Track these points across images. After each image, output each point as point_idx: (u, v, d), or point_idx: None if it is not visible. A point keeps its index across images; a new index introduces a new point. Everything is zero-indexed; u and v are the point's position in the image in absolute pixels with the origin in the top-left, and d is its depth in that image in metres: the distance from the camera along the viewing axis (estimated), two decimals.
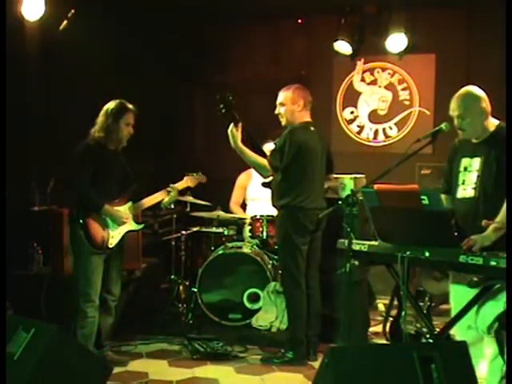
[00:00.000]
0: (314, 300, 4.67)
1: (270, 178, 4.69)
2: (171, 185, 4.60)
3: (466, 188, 3.58)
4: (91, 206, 4.29)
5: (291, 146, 4.51)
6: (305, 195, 4.56)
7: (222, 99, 4.47)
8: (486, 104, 3.55)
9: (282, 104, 4.69)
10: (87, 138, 4.35)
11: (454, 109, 3.55)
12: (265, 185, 4.81)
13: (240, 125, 4.51)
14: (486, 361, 3.48)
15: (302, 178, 4.57)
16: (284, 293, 4.83)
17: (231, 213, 6.03)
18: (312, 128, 4.72)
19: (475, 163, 3.56)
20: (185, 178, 4.71)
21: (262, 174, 4.74)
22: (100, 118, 4.36)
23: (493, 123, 3.57)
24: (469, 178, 3.58)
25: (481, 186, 3.50)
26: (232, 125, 4.50)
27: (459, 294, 3.53)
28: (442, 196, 3.56)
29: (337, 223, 4.82)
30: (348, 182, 4.92)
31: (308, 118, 4.74)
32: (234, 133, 4.50)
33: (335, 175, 5.01)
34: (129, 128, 4.39)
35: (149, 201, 4.53)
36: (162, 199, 4.59)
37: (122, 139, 4.39)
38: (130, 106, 4.40)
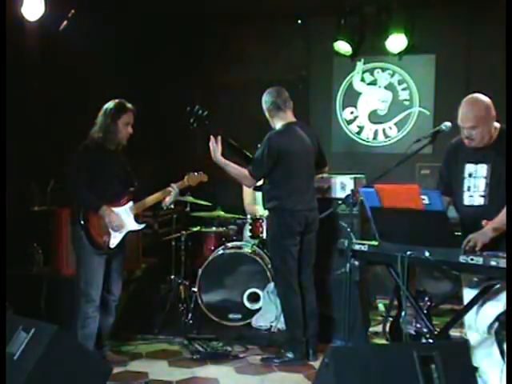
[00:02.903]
0: (309, 301, 4.66)
1: (261, 182, 4.68)
2: (172, 184, 4.58)
3: (474, 195, 3.55)
4: (88, 207, 4.29)
5: (270, 153, 4.47)
6: (291, 198, 4.52)
7: (192, 113, 4.46)
8: (494, 110, 3.51)
9: None
10: (87, 139, 4.35)
11: (466, 119, 3.45)
12: (256, 188, 4.80)
13: (219, 137, 4.48)
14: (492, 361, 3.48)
15: (287, 181, 4.53)
16: (278, 294, 4.84)
17: (248, 214, 6.02)
18: (294, 128, 4.63)
19: (481, 170, 3.53)
20: (185, 177, 4.66)
21: (245, 184, 4.74)
22: (99, 119, 4.36)
23: (495, 127, 3.54)
24: (475, 184, 3.55)
25: (491, 193, 3.48)
26: (212, 138, 4.48)
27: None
28: None
29: (332, 223, 4.86)
30: (348, 182, 4.91)
31: (288, 119, 4.64)
32: (214, 146, 4.48)
33: (333, 175, 5.00)
34: (128, 128, 4.38)
35: (150, 200, 4.52)
36: (163, 199, 4.57)
37: (121, 139, 4.39)
38: (129, 106, 4.39)
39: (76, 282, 4.35)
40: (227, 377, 4.35)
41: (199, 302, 5.42)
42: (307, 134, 4.67)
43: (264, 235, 5.48)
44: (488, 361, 3.47)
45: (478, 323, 3.48)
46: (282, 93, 4.65)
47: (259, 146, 4.59)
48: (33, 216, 5.31)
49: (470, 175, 3.58)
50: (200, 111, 4.49)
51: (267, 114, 4.68)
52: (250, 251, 5.49)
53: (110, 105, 4.37)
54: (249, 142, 4.86)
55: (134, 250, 5.37)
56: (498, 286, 3.29)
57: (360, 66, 7.03)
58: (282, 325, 4.94)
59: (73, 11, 5.74)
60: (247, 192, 6.02)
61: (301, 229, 4.57)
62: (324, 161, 4.86)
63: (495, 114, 3.52)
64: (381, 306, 5.80)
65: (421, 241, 3.29)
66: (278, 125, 4.64)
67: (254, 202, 6.06)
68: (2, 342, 3.09)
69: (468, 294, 3.56)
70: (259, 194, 5.97)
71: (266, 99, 4.66)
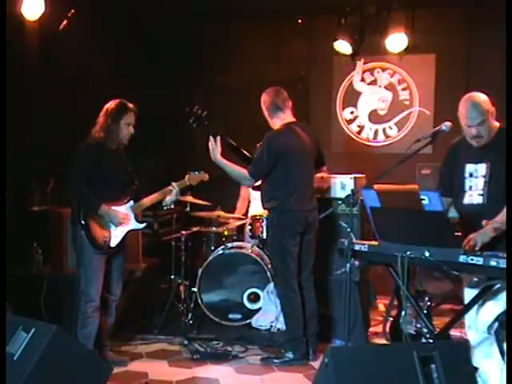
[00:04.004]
0: (309, 301, 4.66)
1: (260, 182, 4.68)
2: (172, 183, 4.58)
3: (473, 194, 3.56)
4: (87, 206, 4.29)
5: (269, 154, 4.47)
6: (291, 198, 4.52)
7: (191, 113, 4.49)
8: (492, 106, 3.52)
9: None
10: (88, 138, 4.36)
11: (473, 117, 3.44)
12: (255, 188, 4.80)
13: (218, 138, 4.49)
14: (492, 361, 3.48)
15: (287, 182, 4.53)
16: (278, 294, 4.84)
17: (236, 207, 6.08)
18: (294, 128, 4.63)
19: (481, 169, 3.53)
20: (186, 177, 4.65)
21: (244, 184, 4.75)
22: (100, 118, 4.36)
23: (495, 126, 3.54)
24: (475, 184, 3.55)
25: (489, 192, 3.48)
26: (211, 138, 4.49)
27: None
28: None
29: (332, 223, 4.87)
30: (348, 182, 4.91)
31: (288, 119, 4.65)
32: (214, 146, 4.49)
33: (333, 175, 5.00)
34: (129, 128, 4.39)
35: (150, 200, 4.51)
36: (164, 198, 4.57)
37: (122, 139, 4.40)
38: (131, 106, 4.40)
39: (76, 282, 4.35)
40: (227, 377, 4.35)
41: (199, 301, 5.42)
42: (307, 134, 4.67)
43: (264, 235, 5.48)
44: (488, 361, 3.48)
45: (478, 323, 3.49)
46: (280, 93, 4.66)
47: (259, 145, 4.59)
48: (33, 216, 5.31)
49: (471, 175, 3.58)
50: (199, 111, 4.52)
51: (266, 114, 4.69)
52: (250, 251, 5.49)
53: (111, 105, 4.38)
54: (249, 142, 4.86)
55: (134, 250, 5.37)
56: (498, 285, 3.29)
57: (360, 65, 7.03)
58: (281, 325, 4.93)
59: (73, 11, 5.74)
60: (244, 188, 6.09)
61: (301, 229, 4.57)
62: (323, 160, 4.86)
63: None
64: (381, 306, 5.80)
65: (421, 241, 3.29)
66: (277, 125, 4.64)
67: (246, 199, 6.19)
68: (2, 342, 3.09)
69: (468, 294, 3.56)
70: (251, 192, 6.05)
71: (265, 99, 4.67)
